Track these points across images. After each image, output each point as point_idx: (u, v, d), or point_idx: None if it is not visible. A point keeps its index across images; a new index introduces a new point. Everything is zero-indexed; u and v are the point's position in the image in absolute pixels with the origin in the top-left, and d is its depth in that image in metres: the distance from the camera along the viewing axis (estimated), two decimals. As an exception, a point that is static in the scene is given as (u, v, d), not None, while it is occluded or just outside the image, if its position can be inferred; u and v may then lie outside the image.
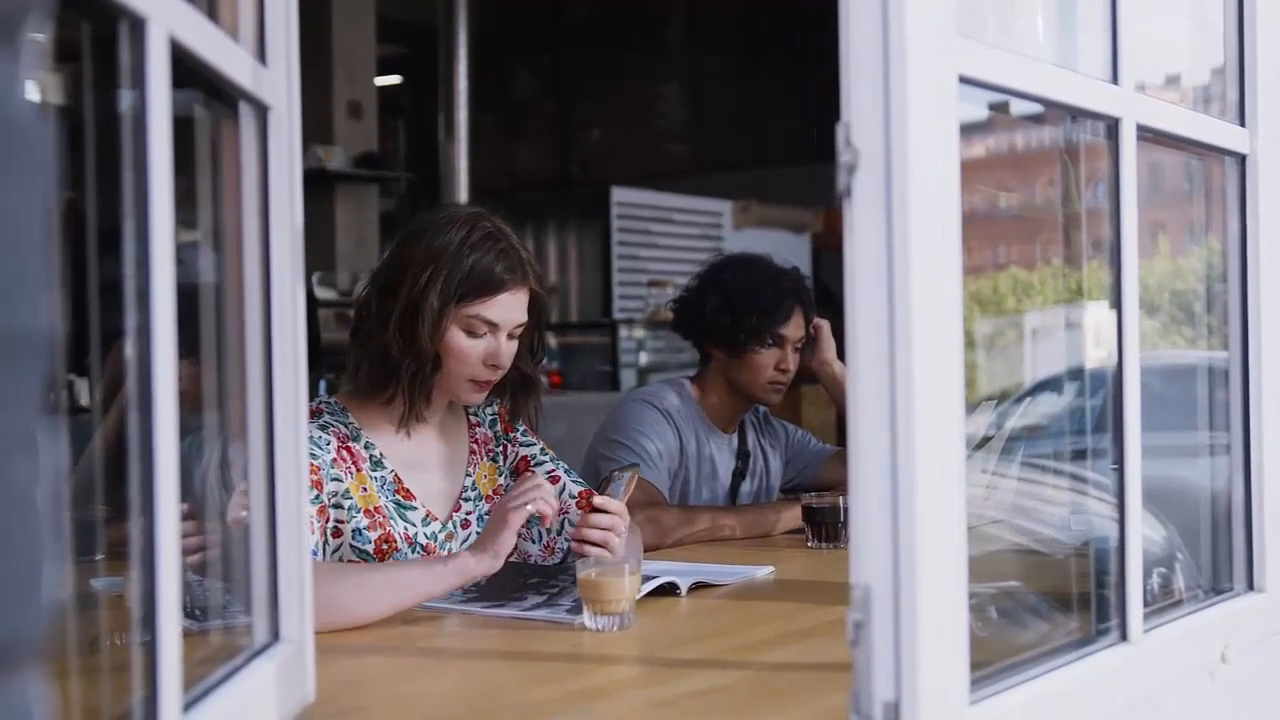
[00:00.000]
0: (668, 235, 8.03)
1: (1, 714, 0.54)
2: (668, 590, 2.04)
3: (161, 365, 0.97)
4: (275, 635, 1.32)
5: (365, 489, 2.09)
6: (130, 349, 0.97)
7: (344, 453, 2.09)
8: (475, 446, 2.28)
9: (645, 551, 2.53)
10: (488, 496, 2.25)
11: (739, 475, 3.03)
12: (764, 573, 2.28)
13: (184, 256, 1.03)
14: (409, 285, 2.06)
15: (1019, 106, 1.46)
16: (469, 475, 2.24)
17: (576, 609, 1.84)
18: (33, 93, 0.53)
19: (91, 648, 1.17)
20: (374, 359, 2.11)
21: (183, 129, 1.03)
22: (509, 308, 2.10)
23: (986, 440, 1.84)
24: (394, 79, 9.20)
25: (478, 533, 2.18)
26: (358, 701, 1.48)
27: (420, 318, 2.06)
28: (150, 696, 0.97)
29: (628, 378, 7.23)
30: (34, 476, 0.53)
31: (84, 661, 1.11)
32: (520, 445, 2.32)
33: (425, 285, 2.05)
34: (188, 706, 1.04)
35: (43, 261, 0.53)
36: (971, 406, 1.22)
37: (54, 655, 0.64)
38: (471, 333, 2.09)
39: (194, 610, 1.27)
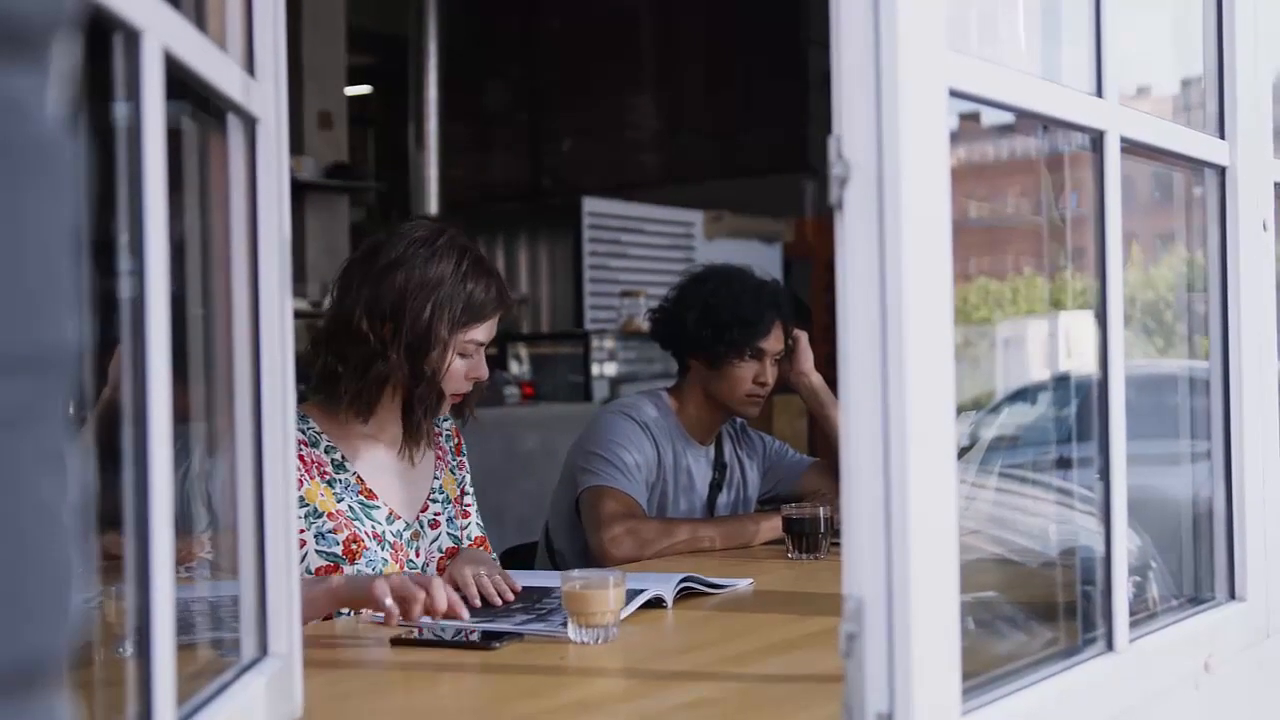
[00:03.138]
0: (639, 245, 8.01)
1: None
2: (652, 603, 2.04)
3: (156, 378, 0.96)
4: (264, 650, 1.31)
5: (324, 493, 2.14)
6: (123, 362, 0.96)
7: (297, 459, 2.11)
8: (440, 452, 2.36)
9: (625, 564, 2.53)
10: (454, 500, 2.34)
11: (716, 487, 3.03)
12: (744, 585, 2.28)
13: (170, 268, 1.03)
14: (411, 316, 2.14)
15: (990, 116, 1.47)
16: (436, 478, 2.33)
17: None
18: (59, 109, 0.53)
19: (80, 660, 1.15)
20: (370, 382, 2.15)
21: (169, 140, 1.02)
22: (494, 327, 2.25)
23: (964, 451, 1.84)
24: (364, 89, 9.17)
25: (448, 533, 2.30)
26: (346, 716, 1.47)
27: (429, 348, 2.15)
28: (144, 712, 0.96)
29: (600, 388, 7.21)
30: (62, 493, 0.52)
31: (71, 676, 1.10)
32: (466, 471, 2.42)
33: (431, 317, 2.14)
34: (180, 723, 1.03)
35: (71, 277, 0.52)
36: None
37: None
38: (464, 354, 2.21)
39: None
